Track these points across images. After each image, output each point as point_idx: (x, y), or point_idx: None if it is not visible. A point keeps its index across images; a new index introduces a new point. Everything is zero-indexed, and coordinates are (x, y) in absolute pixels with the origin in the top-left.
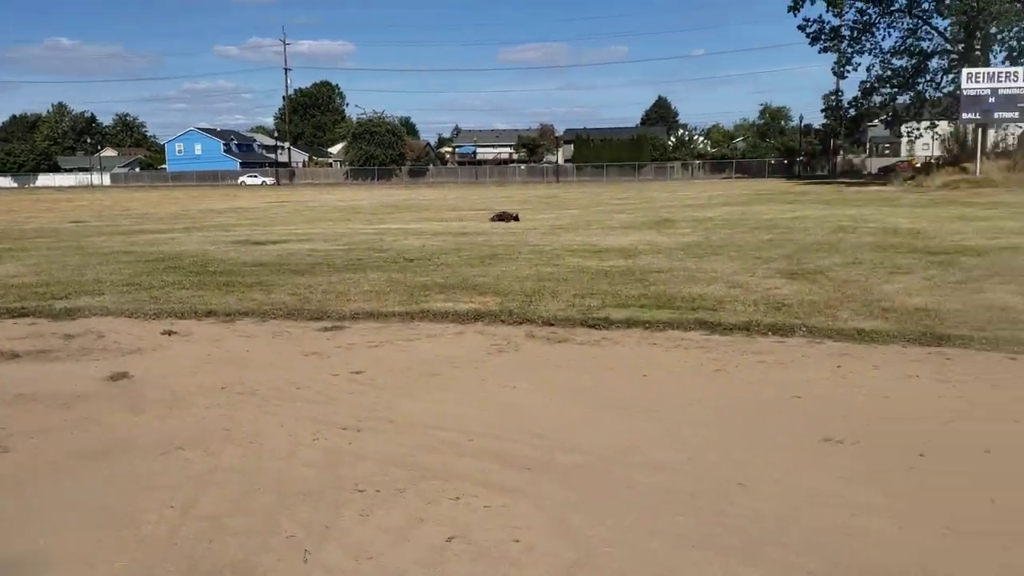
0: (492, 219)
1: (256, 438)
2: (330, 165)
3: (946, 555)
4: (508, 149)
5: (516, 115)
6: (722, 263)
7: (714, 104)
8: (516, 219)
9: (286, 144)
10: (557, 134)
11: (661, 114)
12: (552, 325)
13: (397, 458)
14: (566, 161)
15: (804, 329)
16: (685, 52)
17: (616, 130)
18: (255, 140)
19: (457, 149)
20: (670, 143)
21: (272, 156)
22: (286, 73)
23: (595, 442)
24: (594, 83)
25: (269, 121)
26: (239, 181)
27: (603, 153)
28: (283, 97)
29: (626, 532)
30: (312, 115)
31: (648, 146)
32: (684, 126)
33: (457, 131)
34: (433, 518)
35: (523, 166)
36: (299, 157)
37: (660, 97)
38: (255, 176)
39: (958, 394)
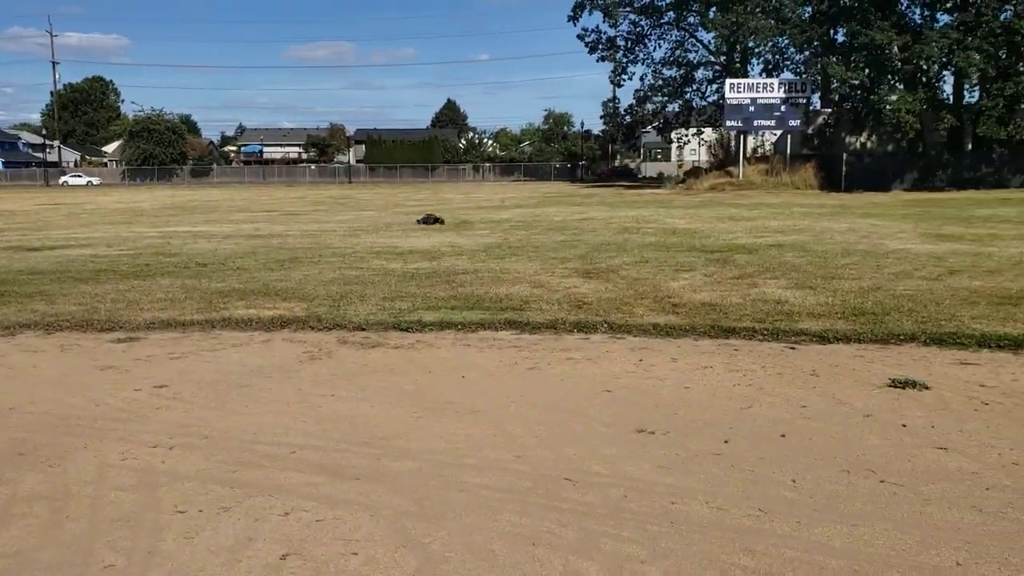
0: (418, 222)
1: (58, 461)
2: (105, 165)
3: (760, 535)
4: (297, 149)
5: (304, 114)
6: (523, 263)
7: (501, 108)
8: (441, 222)
9: (55, 143)
10: (348, 134)
11: (451, 117)
12: (364, 330)
13: (217, 475)
14: (358, 161)
15: (606, 325)
16: (471, 56)
17: (408, 131)
18: (19, 138)
19: (243, 148)
20: (461, 145)
21: (40, 156)
22: (54, 67)
23: (424, 446)
24: (384, 84)
25: (35, 118)
26: (61, 182)
27: (395, 154)
28: (51, 93)
29: (466, 535)
30: (84, 112)
31: (440, 148)
32: (474, 129)
33: (242, 129)
34: (264, 536)
35: (313, 166)
36: (70, 156)
37: (450, 100)
38: (79, 176)
39: (749, 382)
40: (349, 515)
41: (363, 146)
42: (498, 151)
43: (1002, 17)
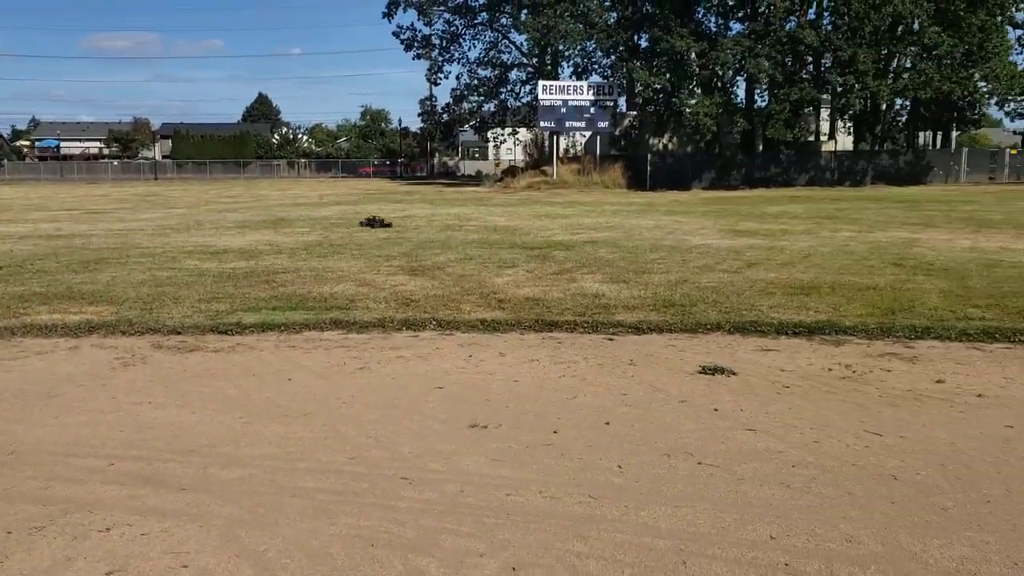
0: (362, 224)
1: None
2: None
3: (592, 521)
4: (98, 144)
5: (105, 107)
6: (346, 261)
7: (316, 103)
8: (389, 225)
9: None
10: (154, 128)
11: (263, 111)
12: (180, 333)
13: (28, 493)
14: (165, 157)
15: (434, 322)
16: (283, 50)
17: (218, 126)
18: None
19: (37, 143)
20: (275, 141)
21: None
22: None
23: (254, 452)
24: (191, 76)
25: None
26: None
27: (205, 149)
28: None
29: (302, 540)
30: None
31: (253, 143)
32: (288, 124)
33: (35, 123)
34: (85, 555)
35: (116, 162)
36: None
37: (261, 94)
38: None
39: (574, 373)
40: (177, 527)
41: (170, 141)
42: (314, 147)
43: (787, 27)
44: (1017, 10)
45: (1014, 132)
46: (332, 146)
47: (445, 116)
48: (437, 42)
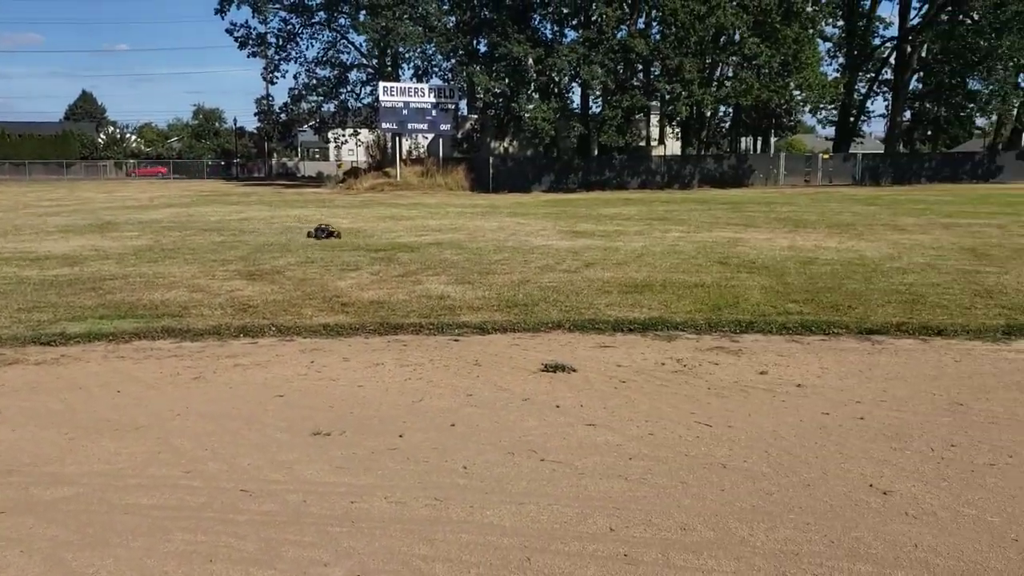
0: (310, 235)
1: None
2: None
3: (438, 523)
4: None
5: None
6: (179, 267)
7: (145, 102)
8: (337, 235)
9: None
10: None
11: (88, 110)
12: None
13: None
14: None
15: (274, 328)
16: (109, 46)
17: (38, 124)
18: None
19: None
20: (100, 140)
21: None
22: None
23: (81, 470)
24: (7, 72)
25: None
26: None
27: (23, 149)
28: None
29: (136, 560)
30: None
31: (76, 143)
32: (115, 123)
33: None
34: None
35: None
36: None
37: (85, 92)
38: None
39: (419, 376)
40: None
41: None
42: (143, 147)
43: (619, 36)
44: (826, 24)
45: (826, 138)
46: (163, 146)
47: (283, 116)
48: (273, 40)
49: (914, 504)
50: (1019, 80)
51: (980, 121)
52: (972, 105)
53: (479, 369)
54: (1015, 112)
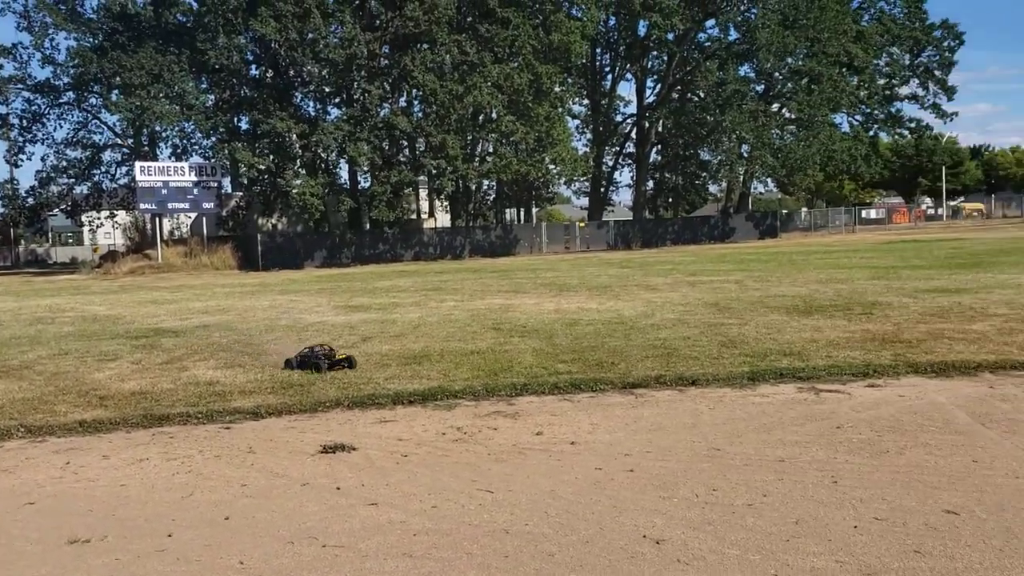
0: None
1: None
2: None
3: None
4: None
5: None
6: None
7: None
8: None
9: None
10: None
11: None
12: None
13: None
14: None
15: (23, 430)
16: None
17: None
18: None
19: None
20: None
21: None
22: None
23: None
24: None
25: None
26: None
27: None
28: None
29: None
30: None
31: None
32: None
33: None
34: None
35: None
36: None
37: None
38: None
39: (188, 469)
40: None
41: None
42: None
43: (382, 113)
44: (573, 103)
45: (582, 208)
46: None
47: (30, 200)
48: (16, 122)
49: (684, 550)
50: (742, 150)
51: (712, 188)
52: (705, 174)
53: (254, 456)
54: (741, 178)
